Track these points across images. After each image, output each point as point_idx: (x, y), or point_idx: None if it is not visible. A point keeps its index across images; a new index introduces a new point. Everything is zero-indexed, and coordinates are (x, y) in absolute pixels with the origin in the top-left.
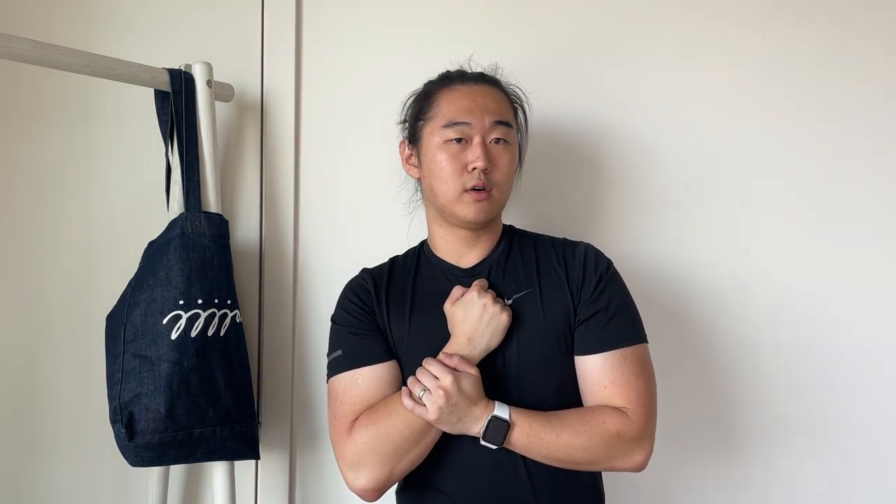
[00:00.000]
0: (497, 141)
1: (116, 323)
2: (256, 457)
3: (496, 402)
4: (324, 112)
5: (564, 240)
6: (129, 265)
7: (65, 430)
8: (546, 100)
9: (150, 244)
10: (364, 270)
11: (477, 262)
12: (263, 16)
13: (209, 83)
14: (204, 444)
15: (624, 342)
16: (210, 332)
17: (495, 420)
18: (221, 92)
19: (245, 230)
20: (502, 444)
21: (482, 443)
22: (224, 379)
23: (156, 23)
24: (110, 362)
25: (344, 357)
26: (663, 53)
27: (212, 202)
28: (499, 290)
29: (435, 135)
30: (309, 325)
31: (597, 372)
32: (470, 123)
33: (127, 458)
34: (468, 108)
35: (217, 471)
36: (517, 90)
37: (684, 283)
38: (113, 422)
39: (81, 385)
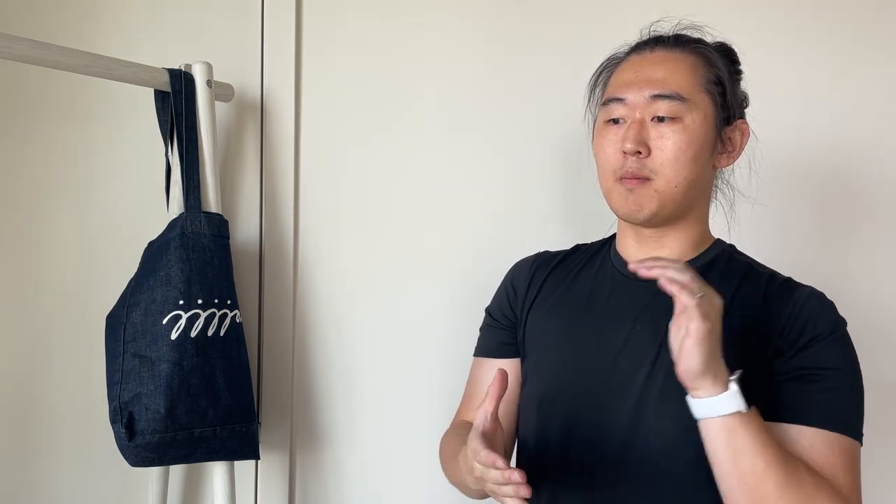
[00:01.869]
0: (660, 119)
1: (116, 323)
2: (256, 457)
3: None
4: (324, 112)
5: (787, 279)
6: (129, 265)
7: (65, 431)
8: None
9: (150, 244)
10: (543, 251)
11: None
12: (263, 16)
13: (209, 83)
14: (204, 444)
15: (838, 424)
16: (210, 332)
17: (736, 395)
18: (221, 92)
19: (245, 230)
20: (717, 416)
21: (692, 401)
22: (224, 379)
23: (156, 23)
24: (110, 362)
25: (478, 342)
26: None
27: (212, 202)
28: (672, 309)
29: (599, 117)
30: (309, 325)
31: (789, 447)
32: (624, 99)
33: (127, 458)
34: (627, 81)
35: (217, 471)
36: (728, 46)
37: None
38: (113, 422)
39: (81, 385)
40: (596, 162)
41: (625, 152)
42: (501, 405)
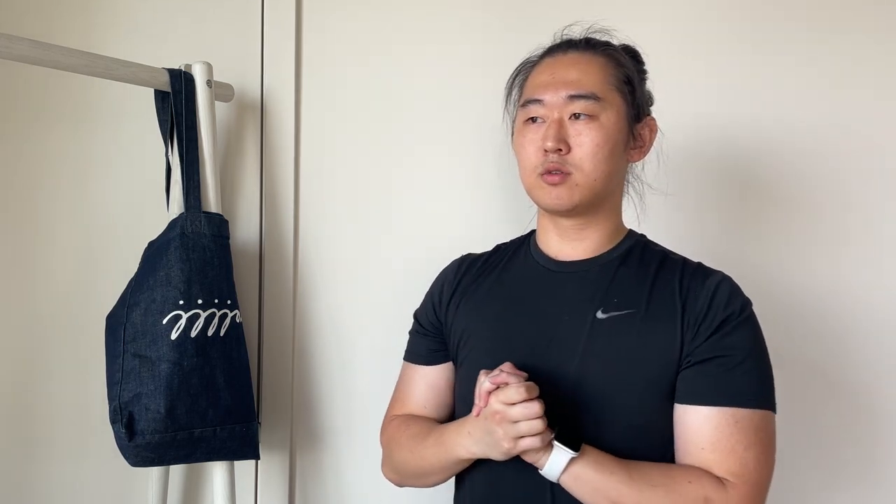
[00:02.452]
0: (576, 117)
1: (116, 323)
2: (256, 457)
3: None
4: (324, 112)
5: (699, 265)
6: (128, 265)
7: (65, 431)
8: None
9: (150, 244)
10: (467, 254)
11: (580, 258)
12: (263, 16)
13: (209, 83)
14: (204, 444)
15: (740, 401)
16: (210, 332)
17: (560, 448)
18: (221, 92)
19: (245, 230)
20: (561, 474)
21: (541, 472)
22: (224, 379)
23: (156, 23)
24: (110, 362)
25: (407, 346)
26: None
27: (212, 202)
28: (598, 299)
29: (518, 117)
30: (309, 325)
31: (695, 428)
32: (542, 100)
33: (127, 458)
34: (544, 83)
35: (217, 471)
36: (633, 48)
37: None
38: (113, 422)
39: (81, 385)
40: (517, 159)
41: (546, 150)
42: (437, 410)
